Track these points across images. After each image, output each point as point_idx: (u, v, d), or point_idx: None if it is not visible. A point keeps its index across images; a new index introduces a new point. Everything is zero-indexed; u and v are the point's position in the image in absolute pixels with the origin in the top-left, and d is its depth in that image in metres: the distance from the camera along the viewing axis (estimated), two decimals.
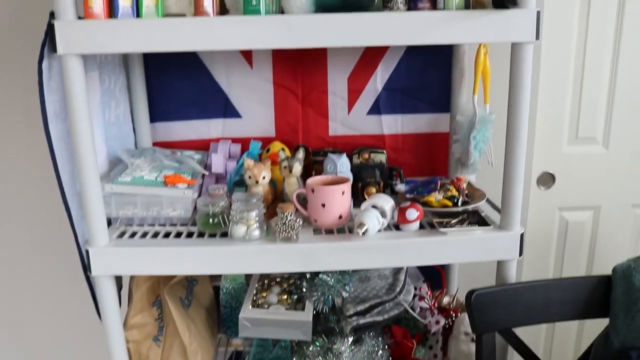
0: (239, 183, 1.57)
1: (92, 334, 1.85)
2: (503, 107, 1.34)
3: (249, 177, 1.48)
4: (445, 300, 1.68)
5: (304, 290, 1.55)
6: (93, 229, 1.33)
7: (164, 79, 1.72)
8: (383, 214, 1.38)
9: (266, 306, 1.54)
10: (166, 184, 1.43)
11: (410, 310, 1.56)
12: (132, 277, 1.58)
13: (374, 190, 1.56)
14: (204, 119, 1.76)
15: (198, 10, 1.26)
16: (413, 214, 1.38)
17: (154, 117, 1.74)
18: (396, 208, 1.42)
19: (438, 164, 1.80)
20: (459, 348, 1.54)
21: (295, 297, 1.57)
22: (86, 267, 1.36)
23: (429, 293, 1.63)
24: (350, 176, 1.53)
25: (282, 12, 1.31)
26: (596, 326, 1.42)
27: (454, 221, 1.43)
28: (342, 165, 1.54)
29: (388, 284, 1.60)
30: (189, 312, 1.59)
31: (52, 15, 1.21)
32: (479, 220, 1.44)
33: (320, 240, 1.37)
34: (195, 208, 1.45)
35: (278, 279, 1.66)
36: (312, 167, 1.67)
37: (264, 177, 1.48)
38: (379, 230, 1.38)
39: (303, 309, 1.52)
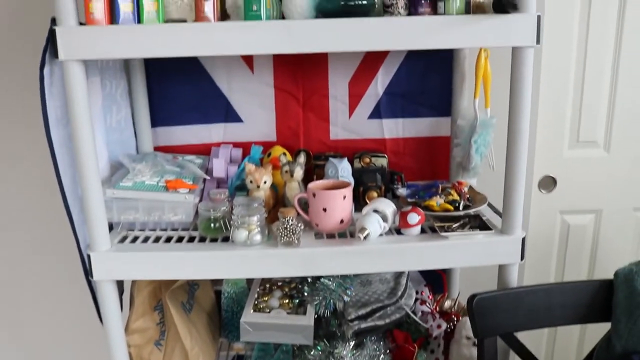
0: (241, 187, 1.57)
1: (94, 338, 1.85)
2: (504, 111, 1.34)
3: (250, 181, 1.48)
4: (447, 304, 1.67)
5: (306, 294, 1.55)
6: (94, 233, 1.33)
7: (165, 83, 1.72)
8: (384, 218, 1.38)
9: (268, 310, 1.54)
10: (167, 188, 1.44)
11: (412, 315, 1.56)
12: (133, 282, 1.58)
13: (375, 194, 1.56)
14: (205, 123, 1.76)
15: (199, 16, 1.26)
16: (414, 218, 1.38)
17: (155, 122, 1.75)
18: (397, 212, 1.42)
19: (439, 168, 1.80)
20: (461, 352, 1.54)
21: (297, 301, 1.57)
22: (88, 272, 1.36)
23: (430, 297, 1.63)
24: (351, 180, 1.53)
25: (282, 17, 1.32)
26: (598, 330, 1.42)
27: (455, 225, 1.43)
28: (343, 169, 1.54)
29: (389, 287, 1.60)
30: (191, 317, 1.59)
31: (53, 21, 1.22)
32: (481, 224, 1.44)
33: (321, 244, 1.38)
34: (196, 213, 1.45)
35: (279, 283, 1.65)
36: (313, 171, 1.67)
37: (265, 182, 1.48)
38: (381, 235, 1.38)
39: (304, 313, 1.51)
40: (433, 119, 1.77)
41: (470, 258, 1.39)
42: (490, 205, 1.53)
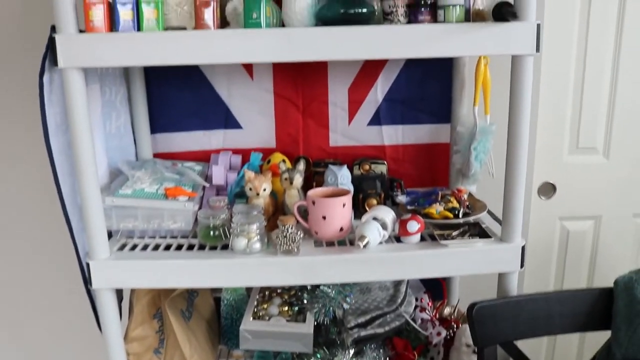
0: (240, 195, 1.57)
1: (93, 347, 1.84)
2: (504, 117, 1.34)
3: (250, 189, 1.48)
4: (447, 311, 1.67)
5: (305, 301, 1.55)
6: (94, 242, 1.33)
7: (164, 90, 1.72)
8: (384, 226, 1.38)
9: (267, 318, 1.53)
10: (167, 196, 1.43)
11: (412, 322, 1.56)
12: (132, 290, 1.57)
13: (374, 201, 1.56)
14: (204, 129, 1.76)
15: (199, 23, 1.26)
16: (414, 226, 1.38)
17: (155, 128, 1.74)
18: (397, 220, 1.42)
19: (438, 175, 1.80)
20: None
21: (296, 308, 1.56)
22: (87, 280, 1.36)
23: (430, 304, 1.62)
24: (351, 188, 1.53)
25: (282, 24, 1.32)
26: (598, 339, 1.41)
27: (455, 233, 1.43)
28: (342, 177, 1.54)
29: (389, 295, 1.60)
30: (190, 324, 1.58)
31: (53, 29, 1.21)
32: (480, 232, 1.44)
33: (321, 252, 1.37)
34: (196, 220, 1.45)
35: (279, 291, 1.65)
36: (312, 178, 1.67)
37: (264, 189, 1.48)
38: (380, 243, 1.38)
39: (304, 320, 1.51)
40: (432, 126, 1.77)
41: (470, 266, 1.38)
42: (489, 212, 1.53)
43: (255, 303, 1.59)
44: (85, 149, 1.26)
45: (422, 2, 1.28)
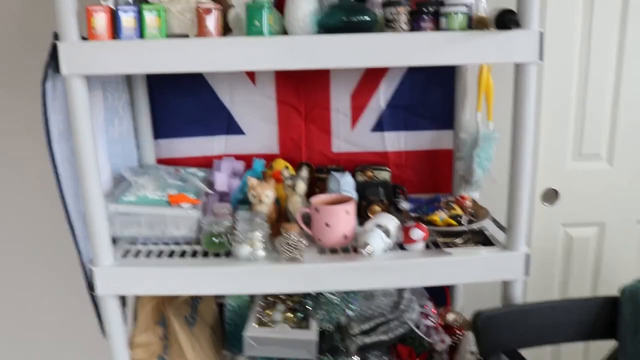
0: (243, 201, 1.56)
1: (97, 353, 1.84)
2: (507, 123, 1.34)
3: (253, 196, 1.47)
4: (451, 317, 1.66)
5: (309, 308, 1.55)
6: (97, 248, 1.33)
7: (167, 95, 1.72)
8: (387, 234, 1.37)
9: (271, 324, 1.53)
10: (170, 203, 1.43)
11: (416, 330, 1.55)
12: (137, 296, 1.57)
13: (378, 208, 1.55)
14: (207, 135, 1.76)
15: (201, 31, 1.26)
16: (418, 234, 1.37)
17: (158, 134, 1.75)
18: (401, 227, 1.42)
19: (441, 181, 1.80)
20: None
21: (300, 315, 1.56)
22: (90, 286, 1.36)
23: (434, 311, 1.62)
24: (354, 195, 1.53)
25: (285, 32, 1.32)
26: (603, 348, 1.41)
27: (458, 240, 1.42)
28: (345, 184, 1.54)
29: (393, 301, 1.59)
30: (194, 331, 1.58)
31: (55, 36, 1.21)
32: (484, 239, 1.44)
33: (324, 260, 1.37)
34: (199, 227, 1.45)
35: (282, 296, 1.65)
36: (315, 184, 1.67)
37: (267, 197, 1.47)
38: (384, 251, 1.37)
39: (308, 327, 1.51)
40: (435, 132, 1.76)
41: (474, 274, 1.38)
42: (493, 219, 1.53)
43: (259, 309, 1.59)
44: (88, 157, 1.26)
45: (425, 9, 1.28)
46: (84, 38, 1.23)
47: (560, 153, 1.91)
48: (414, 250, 1.40)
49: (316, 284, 1.35)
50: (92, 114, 1.28)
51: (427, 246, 1.43)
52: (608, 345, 1.37)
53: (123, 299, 1.48)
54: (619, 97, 1.86)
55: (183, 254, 1.43)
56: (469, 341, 1.52)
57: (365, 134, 1.76)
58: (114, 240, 1.43)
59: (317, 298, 1.55)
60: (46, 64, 1.24)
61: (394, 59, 1.25)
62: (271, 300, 1.63)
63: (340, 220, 1.39)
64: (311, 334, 1.47)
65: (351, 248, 1.43)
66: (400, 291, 1.63)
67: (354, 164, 1.75)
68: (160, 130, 1.75)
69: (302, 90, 1.73)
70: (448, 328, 1.60)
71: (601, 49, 1.82)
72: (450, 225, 1.46)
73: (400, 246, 1.42)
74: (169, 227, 1.44)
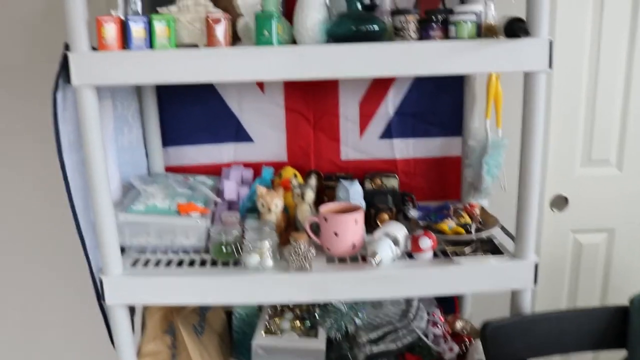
0: (252, 209, 1.56)
1: (98, 353, 1.84)
2: (516, 130, 1.34)
3: (262, 205, 1.48)
4: (459, 325, 1.66)
5: (317, 317, 1.55)
6: (107, 258, 1.33)
7: (176, 103, 1.72)
8: (396, 242, 1.37)
9: (279, 333, 1.53)
10: (179, 212, 1.44)
11: (424, 338, 1.54)
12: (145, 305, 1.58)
13: (386, 216, 1.55)
14: (215, 143, 1.77)
15: (210, 40, 1.27)
16: (426, 242, 1.37)
17: (167, 142, 1.75)
18: (409, 236, 1.41)
19: (450, 188, 1.79)
20: None
21: (309, 323, 1.56)
22: (99, 295, 1.36)
23: (442, 319, 1.61)
24: (363, 204, 1.53)
25: (293, 41, 1.32)
26: (612, 358, 1.40)
27: (467, 249, 1.42)
28: (354, 192, 1.53)
29: (401, 310, 1.59)
30: (202, 339, 1.58)
31: (66, 46, 1.22)
32: (493, 248, 1.43)
33: (333, 269, 1.37)
34: (208, 236, 1.45)
35: (291, 305, 1.65)
36: (324, 192, 1.67)
37: (276, 205, 1.47)
38: (393, 260, 1.37)
39: (316, 336, 1.51)
40: (444, 139, 1.76)
41: (483, 283, 1.37)
42: (502, 227, 1.52)
43: (267, 317, 1.59)
44: (98, 167, 1.27)
45: (434, 17, 1.28)
46: (94, 48, 1.23)
47: (570, 159, 1.90)
48: (422, 259, 1.39)
49: (324, 293, 1.35)
50: (102, 123, 1.29)
51: (436, 255, 1.42)
52: (618, 356, 1.37)
53: (132, 308, 1.48)
54: (628, 103, 1.85)
55: (192, 263, 1.43)
56: (477, 349, 1.51)
57: (373, 141, 1.76)
58: (123, 250, 1.44)
59: (325, 306, 1.55)
60: (57, 75, 1.24)
61: (403, 68, 1.25)
62: (279, 309, 1.64)
63: (349, 230, 1.39)
64: (319, 343, 1.47)
65: (360, 257, 1.42)
66: (408, 299, 1.63)
67: (362, 171, 1.75)
68: (169, 138, 1.75)
69: (310, 98, 1.73)
70: (456, 336, 1.60)
71: (610, 55, 1.81)
72: (458, 234, 1.45)
73: (409, 255, 1.42)
74: (178, 236, 1.45)
